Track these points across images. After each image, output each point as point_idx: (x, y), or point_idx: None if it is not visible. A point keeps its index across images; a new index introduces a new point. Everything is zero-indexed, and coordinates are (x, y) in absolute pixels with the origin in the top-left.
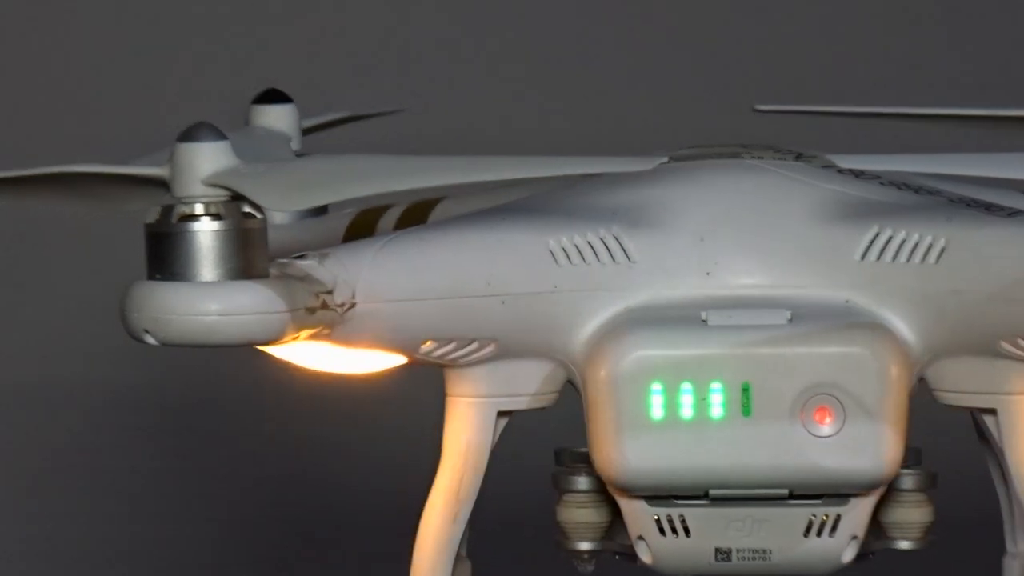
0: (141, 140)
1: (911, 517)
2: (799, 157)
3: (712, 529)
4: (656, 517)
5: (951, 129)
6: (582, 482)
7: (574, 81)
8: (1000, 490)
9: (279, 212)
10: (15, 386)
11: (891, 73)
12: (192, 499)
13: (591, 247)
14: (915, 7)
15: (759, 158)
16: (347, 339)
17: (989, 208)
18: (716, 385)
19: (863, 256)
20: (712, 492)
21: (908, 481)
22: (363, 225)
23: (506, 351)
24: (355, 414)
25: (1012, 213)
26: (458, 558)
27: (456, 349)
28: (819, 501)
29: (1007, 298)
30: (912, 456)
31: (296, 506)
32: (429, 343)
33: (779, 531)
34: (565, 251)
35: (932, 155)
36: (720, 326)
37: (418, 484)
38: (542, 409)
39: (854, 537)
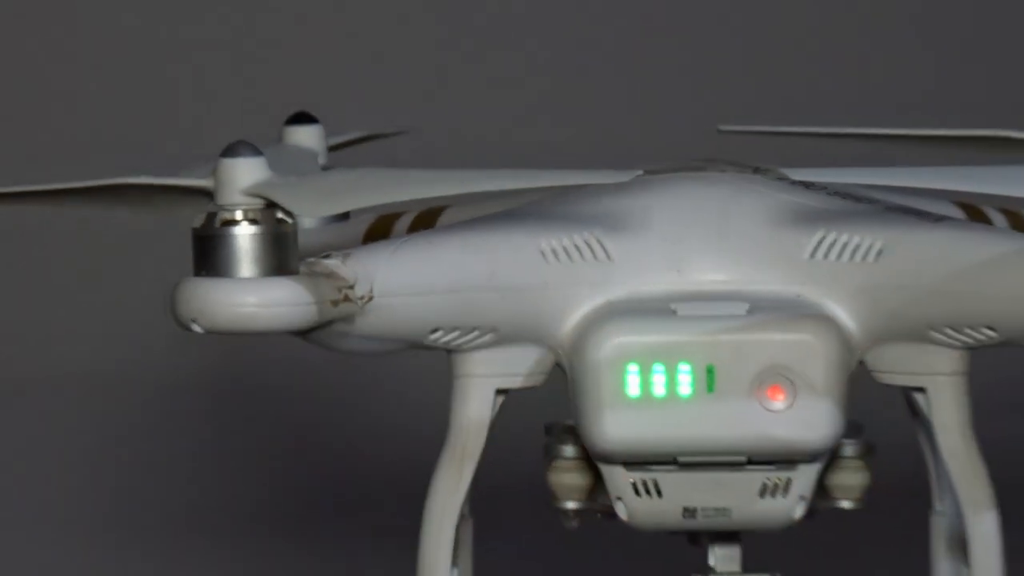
0: (187, 154)
1: (851, 481)
2: (756, 170)
3: (680, 491)
4: (632, 481)
5: (886, 146)
6: (568, 451)
7: (564, 104)
8: (928, 457)
9: (308, 218)
10: (84, 370)
11: (842, 94)
12: (242, 467)
13: (576, 248)
14: (870, 33)
15: (722, 171)
16: (367, 328)
17: (920, 215)
18: (684, 367)
19: (811, 256)
20: (680, 459)
21: (849, 450)
22: (380, 229)
23: (503, 338)
24: (373, 393)
25: (939, 219)
26: (461, 516)
27: (460, 336)
28: (772, 467)
29: (935, 292)
30: (852, 428)
31: (326, 471)
32: (437, 331)
33: (738, 492)
34: (554, 252)
35: (871, 169)
36: (688, 316)
37: (430, 452)
38: (534, 388)
39: (802, 498)
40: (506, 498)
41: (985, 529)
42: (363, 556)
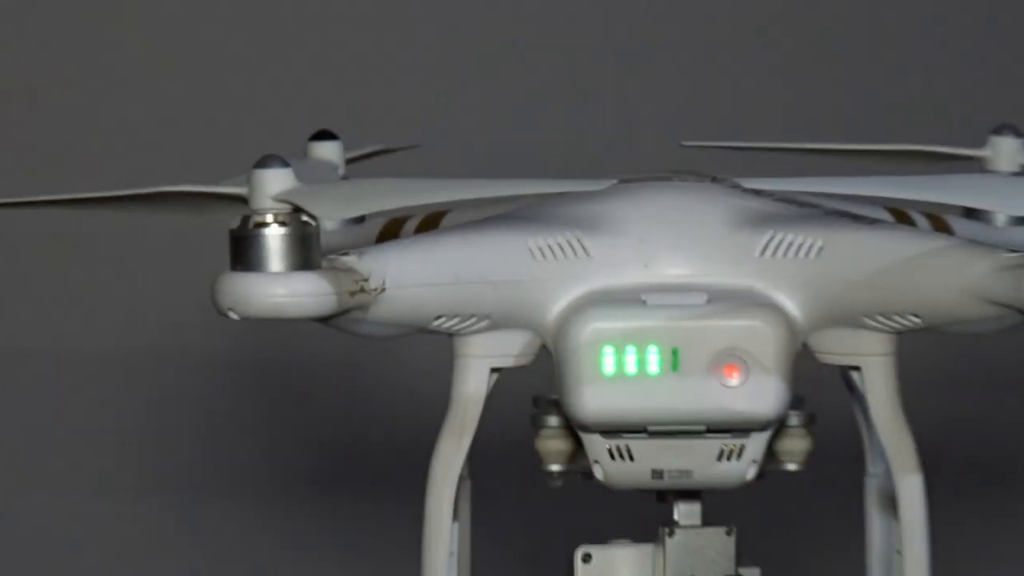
0: (224, 165)
1: (796, 446)
2: (714, 179)
3: (649, 455)
4: (608, 447)
5: (827, 158)
6: (553, 421)
7: (551, 123)
8: (862, 427)
9: (329, 220)
10: (135, 346)
11: (794, 110)
12: (269, 435)
13: (559, 247)
14: (820, 56)
15: (684, 180)
16: (379, 315)
17: (855, 218)
18: (653, 348)
19: (761, 253)
20: (650, 428)
21: (794, 419)
22: (391, 230)
23: (497, 324)
24: (385, 372)
25: (872, 221)
26: (461, 477)
27: (459, 323)
28: (728, 435)
29: (867, 285)
30: (797, 401)
31: (345, 438)
32: (440, 318)
33: (698, 457)
34: (540, 250)
35: (813, 178)
36: (655, 305)
37: (433, 422)
38: (523, 367)
39: (754, 461)
40: (499, 462)
41: (911, 489)
42: (378, 511)
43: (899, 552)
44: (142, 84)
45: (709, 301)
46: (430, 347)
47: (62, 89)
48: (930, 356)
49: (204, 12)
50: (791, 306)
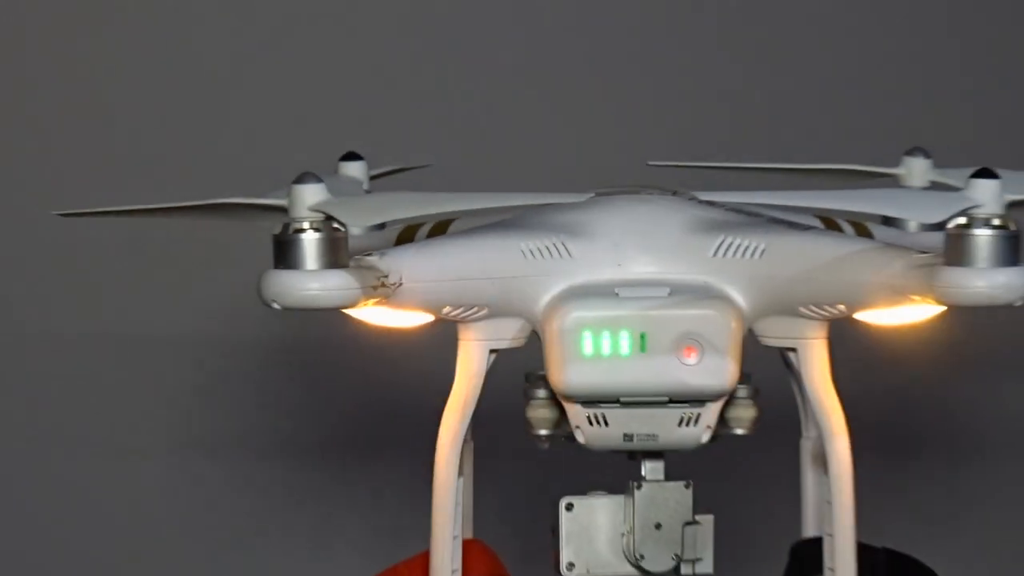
0: (262, 181)
1: (743, 414)
2: (675, 193)
3: (621, 422)
4: (587, 415)
5: (769, 176)
6: (541, 392)
7: (538, 144)
8: (798, 398)
9: (356, 227)
10: (199, 332)
11: (744, 132)
12: (304, 405)
13: (547, 249)
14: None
15: (650, 193)
16: (397, 305)
17: (792, 225)
18: (624, 333)
19: (714, 254)
20: (622, 399)
21: (741, 392)
22: (406, 235)
23: (495, 313)
24: (401, 351)
25: (806, 228)
26: (464, 440)
27: (464, 312)
28: (687, 405)
29: (802, 280)
30: (744, 376)
31: (367, 408)
32: (447, 308)
33: (662, 423)
34: (530, 251)
35: (757, 192)
36: (626, 297)
37: (440, 396)
38: (517, 348)
39: (708, 427)
40: (496, 427)
41: (839, 450)
42: (394, 468)
43: (829, 502)
44: (194, 110)
45: (671, 294)
46: (439, 333)
47: (126, 114)
48: (855, 339)
49: (248, 50)
50: (739, 298)
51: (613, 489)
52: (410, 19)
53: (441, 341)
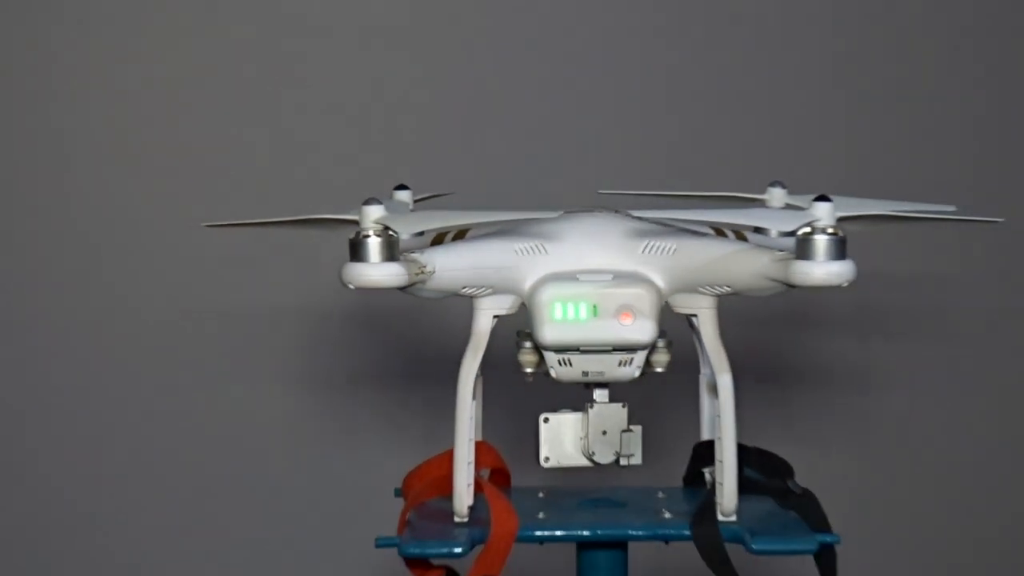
0: (340, 200)
1: (661, 358)
2: (617, 212)
3: (581, 363)
4: (558, 359)
5: (684, 200)
6: (527, 343)
7: (525, 179)
8: (697, 347)
9: (404, 234)
10: (288, 305)
11: (669, 163)
12: (370, 356)
13: (532, 248)
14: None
15: (601, 212)
16: (431, 286)
17: (694, 233)
18: (583, 304)
19: (642, 252)
20: (581, 348)
21: (660, 343)
22: (438, 239)
23: (497, 291)
24: (434, 318)
25: (703, 235)
26: (476, 376)
27: (476, 290)
28: (624, 352)
29: (701, 270)
30: (662, 333)
31: (411, 358)
32: (465, 288)
33: (607, 364)
34: (521, 250)
35: (672, 211)
36: (585, 280)
37: (461, 344)
38: (512, 315)
39: (638, 366)
40: (498, 366)
41: (723, 382)
42: (428, 396)
43: (718, 416)
44: (296, 150)
45: (613, 278)
46: (459, 305)
47: (252, 155)
48: (735, 307)
49: (336, 107)
50: (659, 281)
51: (575, 408)
52: (438, 86)
53: (460, 310)
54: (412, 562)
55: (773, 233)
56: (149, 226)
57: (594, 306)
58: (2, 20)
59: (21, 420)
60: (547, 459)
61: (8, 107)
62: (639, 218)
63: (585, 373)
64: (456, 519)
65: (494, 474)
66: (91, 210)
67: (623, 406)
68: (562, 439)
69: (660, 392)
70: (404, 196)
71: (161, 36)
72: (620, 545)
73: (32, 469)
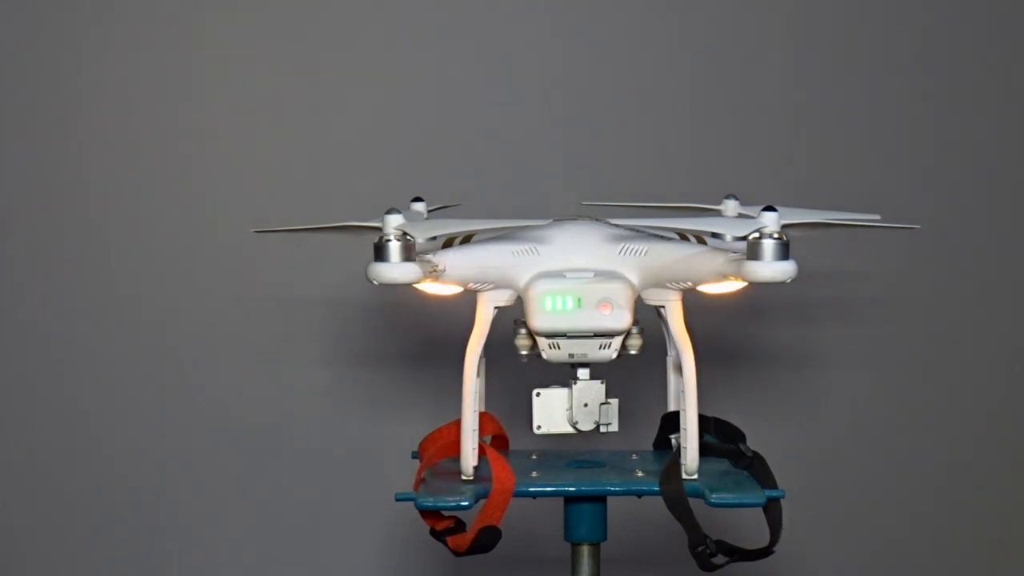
0: (363, 212)
1: (635, 342)
2: (597, 220)
3: (567, 347)
4: (548, 343)
5: (653, 211)
6: (523, 330)
7: (521, 191)
8: (665, 333)
9: (420, 239)
10: (332, 296)
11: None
12: (387, 336)
13: (527, 251)
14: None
15: (585, 220)
16: (443, 283)
17: (662, 237)
18: (569, 297)
19: (619, 254)
20: (567, 334)
21: (634, 329)
22: (448, 243)
23: (497, 286)
24: (445, 308)
25: (670, 239)
26: (480, 357)
27: (480, 286)
28: (604, 337)
29: (668, 269)
30: (636, 321)
31: (423, 339)
32: (471, 284)
33: (590, 348)
34: (518, 252)
35: (644, 219)
36: (571, 277)
37: (466, 331)
38: (509, 306)
39: (616, 349)
40: (498, 350)
41: (687, 362)
42: (439, 372)
43: (682, 391)
44: (331, 164)
45: (595, 276)
46: (463, 298)
47: (292, 173)
48: (697, 300)
49: (362, 128)
50: (634, 278)
51: (563, 384)
52: (448, 117)
53: (466, 302)
54: (426, 513)
55: (728, 238)
56: (200, 232)
57: (578, 299)
58: (32, 22)
59: (82, 413)
60: (539, 427)
61: (33, 110)
62: (616, 225)
63: (571, 355)
64: (463, 477)
65: (495, 439)
66: (152, 212)
67: (602, 382)
68: (552, 410)
69: (634, 371)
70: (419, 207)
71: (196, 53)
72: (600, 499)
73: (97, 456)
